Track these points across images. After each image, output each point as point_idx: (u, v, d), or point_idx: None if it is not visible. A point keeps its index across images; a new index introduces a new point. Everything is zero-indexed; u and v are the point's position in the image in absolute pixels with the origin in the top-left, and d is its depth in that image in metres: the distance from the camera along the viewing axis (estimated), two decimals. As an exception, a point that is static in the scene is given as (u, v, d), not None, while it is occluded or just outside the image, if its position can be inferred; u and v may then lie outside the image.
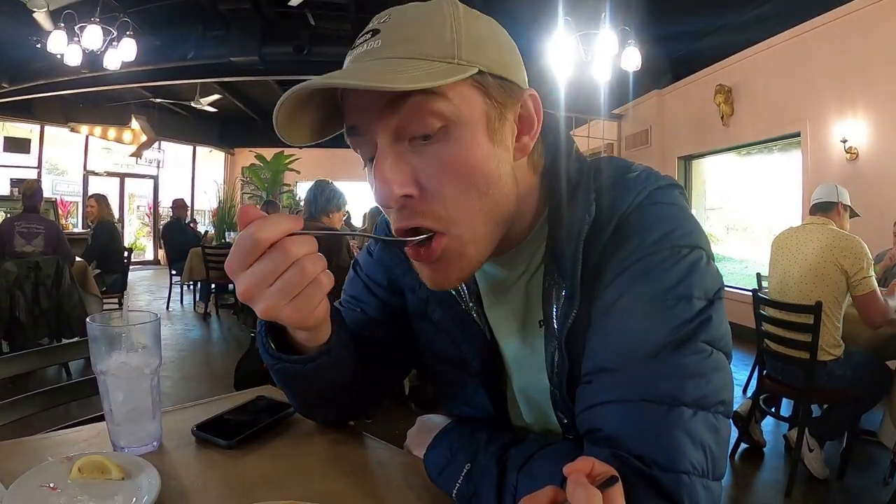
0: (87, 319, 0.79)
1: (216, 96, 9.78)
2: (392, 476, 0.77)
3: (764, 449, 3.12)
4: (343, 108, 0.62)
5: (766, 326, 2.81)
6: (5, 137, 10.02)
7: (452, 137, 0.59)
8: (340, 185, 3.57)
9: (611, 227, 0.63)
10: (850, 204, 2.89)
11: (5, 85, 8.06)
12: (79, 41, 5.13)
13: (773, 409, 3.22)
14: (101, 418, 1.00)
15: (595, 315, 0.63)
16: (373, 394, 0.87)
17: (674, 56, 6.91)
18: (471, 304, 0.77)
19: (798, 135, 5.55)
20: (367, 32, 0.61)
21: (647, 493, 0.53)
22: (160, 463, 0.73)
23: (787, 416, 3.15)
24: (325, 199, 3.42)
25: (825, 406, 2.97)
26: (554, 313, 0.66)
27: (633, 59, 4.81)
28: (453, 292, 0.77)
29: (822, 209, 2.82)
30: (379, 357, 0.83)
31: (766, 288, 3.48)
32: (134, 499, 0.65)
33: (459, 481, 0.66)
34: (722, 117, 6.45)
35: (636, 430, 0.56)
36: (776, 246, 2.91)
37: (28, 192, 4.55)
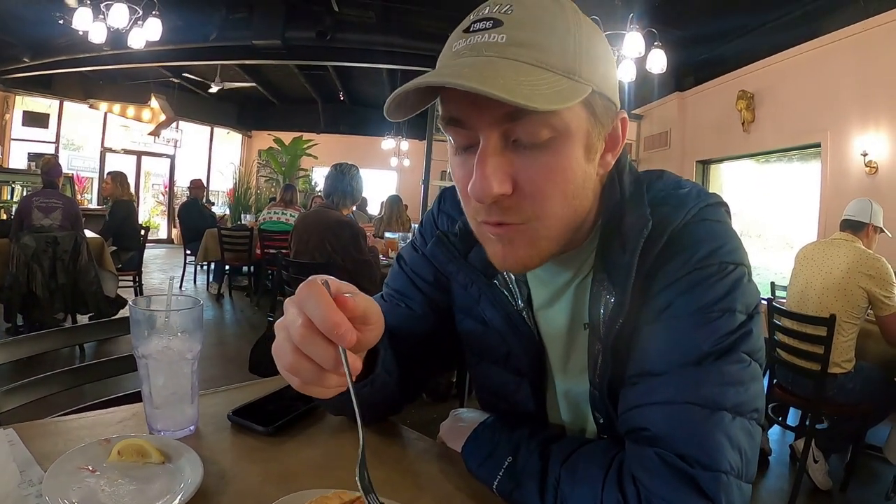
0: (130, 302, 0.81)
1: (237, 83, 9.79)
2: (430, 466, 0.78)
3: (769, 457, 3.13)
4: (445, 95, 0.61)
5: (780, 336, 2.80)
6: (24, 112, 10.07)
7: (555, 149, 0.60)
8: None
9: (662, 240, 0.66)
10: (881, 225, 2.85)
11: (26, 60, 8.12)
12: (104, 19, 5.13)
13: (780, 419, 3.22)
14: (124, 400, 1.03)
15: (642, 321, 0.66)
16: (410, 391, 0.88)
17: (697, 59, 6.84)
18: (521, 305, 0.79)
19: (818, 145, 5.49)
20: (485, 19, 0.59)
21: (688, 490, 0.57)
22: (198, 447, 0.74)
23: (793, 425, 3.15)
24: (358, 188, 3.32)
25: (832, 418, 2.96)
26: (601, 317, 0.68)
27: (659, 62, 4.76)
28: (505, 292, 0.79)
29: (851, 227, 2.79)
30: (420, 352, 0.85)
31: (781, 297, 3.47)
32: (181, 483, 0.66)
33: (501, 474, 0.69)
34: (743, 123, 6.38)
35: (680, 430, 0.59)
36: (801, 256, 2.89)
37: (46, 168, 4.60)
